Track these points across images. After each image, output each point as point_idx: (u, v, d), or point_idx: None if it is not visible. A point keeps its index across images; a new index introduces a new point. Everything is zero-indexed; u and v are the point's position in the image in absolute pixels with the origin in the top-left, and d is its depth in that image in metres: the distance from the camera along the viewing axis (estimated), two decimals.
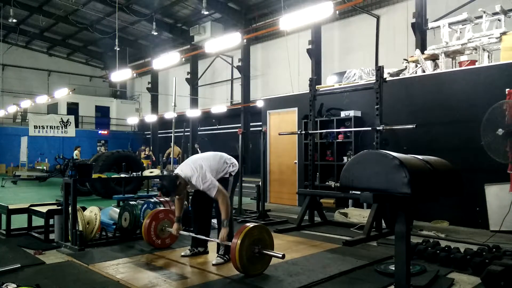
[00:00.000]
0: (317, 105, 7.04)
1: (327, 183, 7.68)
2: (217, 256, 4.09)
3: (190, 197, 5.15)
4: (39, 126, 20.27)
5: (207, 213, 4.42)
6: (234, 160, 4.40)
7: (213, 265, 3.98)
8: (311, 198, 6.22)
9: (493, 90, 5.50)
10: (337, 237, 5.35)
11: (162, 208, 4.78)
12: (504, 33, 6.63)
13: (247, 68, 19.01)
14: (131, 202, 5.30)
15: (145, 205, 5.28)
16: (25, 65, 26.92)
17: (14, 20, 20.44)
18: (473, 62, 7.06)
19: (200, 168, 4.06)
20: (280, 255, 3.57)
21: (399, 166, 2.67)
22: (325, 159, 7.89)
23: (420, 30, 12.46)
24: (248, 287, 3.42)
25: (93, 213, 4.85)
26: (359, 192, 2.90)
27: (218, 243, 4.14)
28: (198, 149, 17.03)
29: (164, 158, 15.21)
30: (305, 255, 4.40)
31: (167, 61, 15.31)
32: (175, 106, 8.18)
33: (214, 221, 5.41)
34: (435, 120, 6.44)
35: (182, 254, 4.35)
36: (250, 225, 3.68)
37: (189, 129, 19.43)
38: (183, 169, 4.13)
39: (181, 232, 4.41)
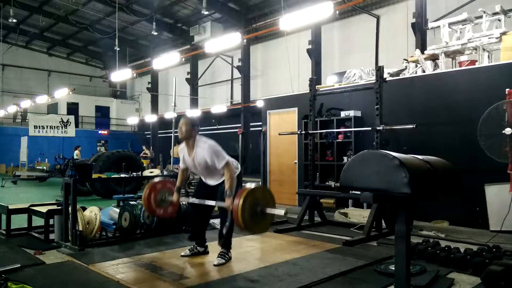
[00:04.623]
0: (317, 105, 7.04)
1: (327, 183, 7.68)
2: (218, 256, 4.08)
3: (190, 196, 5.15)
4: (39, 126, 20.27)
5: (206, 212, 4.41)
6: (237, 163, 4.41)
7: (215, 265, 3.98)
8: (311, 198, 6.22)
9: (493, 90, 5.50)
10: (337, 237, 5.35)
11: (159, 179, 4.72)
12: (504, 33, 6.62)
13: (247, 68, 19.01)
14: (131, 202, 5.31)
15: None
16: (25, 65, 26.93)
17: (14, 20, 20.43)
18: (473, 62, 7.06)
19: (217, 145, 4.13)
20: (282, 213, 3.60)
21: (399, 166, 2.67)
22: (325, 159, 7.89)
23: (420, 30, 12.46)
24: (248, 286, 3.42)
25: (93, 213, 4.85)
26: (359, 192, 2.90)
27: (220, 232, 4.13)
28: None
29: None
30: (305, 255, 4.40)
31: (167, 61, 15.32)
32: (175, 106, 8.18)
33: (215, 221, 5.43)
34: (435, 120, 6.44)
35: (182, 254, 4.35)
36: (252, 185, 3.70)
37: None
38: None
39: (182, 199, 4.42)
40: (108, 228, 5.27)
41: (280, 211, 3.58)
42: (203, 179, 4.34)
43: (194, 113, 21.02)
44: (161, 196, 4.45)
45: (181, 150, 4.31)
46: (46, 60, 28.02)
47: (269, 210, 3.64)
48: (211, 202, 4.06)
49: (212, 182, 4.24)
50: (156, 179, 4.64)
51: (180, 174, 4.41)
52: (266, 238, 5.36)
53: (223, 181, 4.04)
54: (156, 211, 4.47)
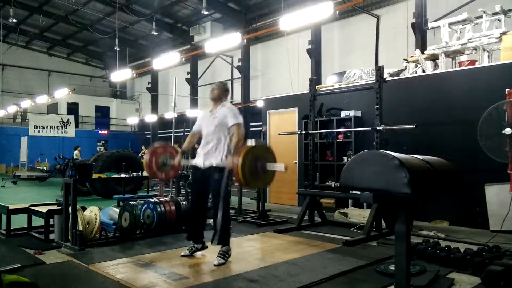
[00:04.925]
0: (317, 105, 7.04)
1: (327, 183, 7.68)
2: (218, 256, 4.08)
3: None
4: (39, 126, 20.27)
5: (203, 209, 4.41)
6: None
7: (215, 265, 3.97)
8: (311, 198, 6.22)
9: (493, 90, 5.50)
10: (337, 237, 5.35)
11: (159, 144, 4.77)
12: (504, 33, 6.63)
13: (247, 68, 19.01)
14: (131, 202, 5.31)
15: (145, 205, 5.28)
16: (25, 65, 26.92)
17: (14, 20, 20.43)
18: (473, 62, 7.06)
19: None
20: (283, 167, 3.64)
21: (399, 166, 2.67)
22: (325, 159, 7.89)
23: (420, 30, 12.45)
24: (248, 286, 3.42)
25: (93, 213, 4.85)
26: (359, 192, 2.90)
27: (214, 225, 4.14)
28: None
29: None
30: (305, 255, 4.40)
31: (167, 61, 15.31)
32: (175, 106, 8.18)
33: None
34: (435, 120, 6.44)
35: (182, 254, 4.35)
36: (252, 143, 3.74)
37: (189, 129, 19.43)
38: None
39: (183, 161, 4.49)
40: (108, 228, 5.27)
41: (280, 166, 3.64)
42: (201, 157, 4.27)
43: (194, 113, 21.03)
44: (162, 160, 4.52)
45: (200, 115, 4.48)
46: (46, 60, 28.02)
47: (270, 166, 3.69)
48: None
49: (208, 160, 4.19)
50: (157, 144, 4.72)
51: (190, 137, 4.53)
52: (266, 238, 5.36)
53: (217, 168, 4.08)
54: (158, 174, 4.54)
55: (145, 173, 8.24)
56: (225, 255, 4.09)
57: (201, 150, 4.30)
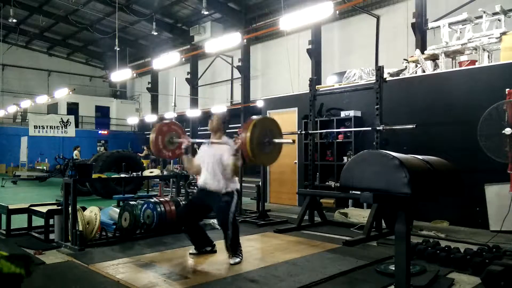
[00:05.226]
0: (317, 105, 7.04)
1: (327, 183, 7.68)
2: (233, 256, 4.07)
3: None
4: (39, 126, 20.25)
5: (197, 221, 4.40)
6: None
7: (231, 264, 3.98)
8: (311, 198, 6.22)
9: (493, 90, 5.50)
10: (337, 237, 5.35)
11: (164, 122, 4.74)
12: (504, 33, 6.63)
13: (247, 68, 19.01)
14: (131, 202, 5.31)
15: (145, 205, 5.28)
16: (25, 65, 26.93)
17: (14, 20, 20.44)
18: (473, 62, 7.06)
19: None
20: (291, 141, 3.65)
21: (399, 166, 2.67)
22: (325, 159, 7.89)
23: (420, 30, 12.46)
24: (249, 286, 3.42)
25: (93, 213, 4.85)
26: (359, 192, 2.90)
27: (226, 245, 4.13)
28: (197, 149, 17.08)
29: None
30: (305, 255, 4.40)
31: (167, 61, 15.31)
32: (175, 106, 8.18)
33: (214, 220, 5.43)
34: (435, 120, 6.44)
35: (190, 252, 4.39)
36: (259, 116, 3.74)
37: (189, 129, 19.44)
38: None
39: (191, 140, 4.50)
40: (108, 228, 5.27)
41: (288, 140, 3.64)
42: (204, 182, 4.29)
43: (194, 113, 21.04)
44: (168, 138, 4.50)
45: (202, 149, 4.42)
46: (46, 60, 28.03)
47: (277, 140, 3.69)
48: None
49: (212, 185, 4.20)
50: (162, 123, 4.71)
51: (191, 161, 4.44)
52: (266, 238, 5.37)
53: (221, 194, 4.09)
54: (164, 152, 4.53)
55: (145, 173, 8.27)
56: (239, 254, 4.12)
57: (204, 177, 4.29)
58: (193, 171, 4.54)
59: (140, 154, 19.28)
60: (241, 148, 3.66)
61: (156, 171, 8.86)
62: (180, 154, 4.60)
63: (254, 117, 3.78)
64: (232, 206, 4.09)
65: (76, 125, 22.64)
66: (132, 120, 26.80)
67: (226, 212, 4.03)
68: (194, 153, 4.56)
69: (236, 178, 4.37)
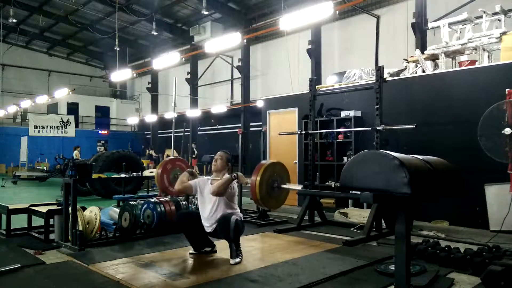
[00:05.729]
0: (317, 105, 7.04)
1: (327, 183, 7.68)
2: (235, 257, 4.08)
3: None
4: (39, 126, 20.28)
5: (197, 227, 4.38)
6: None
7: (231, 264, 4.00)
8: (311, 198, 6.21)
9: (493, 90, 5.50)
10: (337, 237, 5.34)
11: (168, 158, 4.78)
12: (504, 33, 6.63)
13: (247, 68, 19.02)
14: (131, 202, 5.31)
15: (145, 205, 5.28)
16: (25, 65, 26.94)
17: (14, 20, 20.45)
18: (473, 62, 7.06)
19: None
20: (299, 188, 3.67)
21: (399, 166, 2.67)
22: (325, 159, 7.89)
23: (420, 30, 12.47)
24: (249, 286, 3.42)
25: (93, 213, 4.85)
26: (359, 192, 2.90)
27: (231, 252, 4.15)
28: (194, 149, 17.21)
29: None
30: (305, 255, 4.40)
31: (167, 61, 15.31)
32: (175, 106, 8.18)
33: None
34: (435, 120, 6.44)
35: (190, 251, 4.39)
36: (269, 161, 3.75)
37: (189, 129, 19.44)
38: None
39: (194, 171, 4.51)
40: (108, 228, 5.26)
41: (297, 186, 3.65)
42: (205, 221, 4.29)
43: (194, 113, 21.05)
44: (173, 175, 4.53)
45: (201, 181, 4.38)
46: (46, 60, 28.03)
47: (285, 185, 3.69)
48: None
49: (208, 225, 4.23)
50: (166, 159, 4.74)
51: (184, 178, 4.38)
52: (266, 238, 5.36)
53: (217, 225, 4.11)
54: (170, 189, 4.55)
55: (145, 173, 8.27)
56: (239, 254, 4.13)
57: (203, 213, 4.29)
58: (178, 187, 4.38)
59: (154, 154, 19.61)
60: (251, 190, 3.65)
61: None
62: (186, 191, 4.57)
63: (264, 162, 3.75)
64: (233, 217, 4.09)
65: (76, 125, 22.68)
66: (132, 120, 26.81)
67: (227, 219, 4.04)
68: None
69: (237, 208, 4.38)
